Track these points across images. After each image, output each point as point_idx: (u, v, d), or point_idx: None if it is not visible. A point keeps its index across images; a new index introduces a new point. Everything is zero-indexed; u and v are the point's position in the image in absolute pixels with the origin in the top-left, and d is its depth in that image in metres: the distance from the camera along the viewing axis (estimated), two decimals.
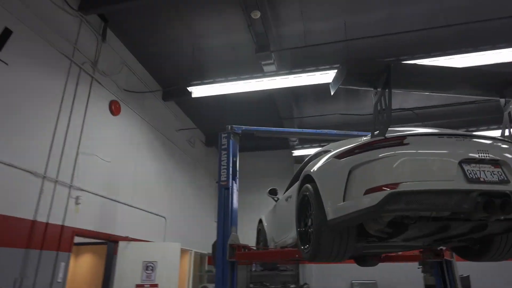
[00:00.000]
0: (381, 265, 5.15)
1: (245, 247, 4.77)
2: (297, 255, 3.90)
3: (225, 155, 5.14)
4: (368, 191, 2.51)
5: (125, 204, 6.53)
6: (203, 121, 10.14)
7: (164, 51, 6.91)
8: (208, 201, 11.34)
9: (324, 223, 2.85)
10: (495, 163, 2.56)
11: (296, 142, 9.47)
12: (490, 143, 2.70)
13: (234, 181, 5.11)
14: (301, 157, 10.93)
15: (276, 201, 5.19)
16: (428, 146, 2.59)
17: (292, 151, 9.80)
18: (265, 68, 6.13)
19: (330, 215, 2.76)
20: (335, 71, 5.50)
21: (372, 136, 2.88)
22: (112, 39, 6.47)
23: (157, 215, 7.65)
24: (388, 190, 2.41)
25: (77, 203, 5.44)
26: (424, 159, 2.51)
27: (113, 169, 6.32)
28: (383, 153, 2.58)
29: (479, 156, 2.53)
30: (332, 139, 5.56)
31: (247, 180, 7.74)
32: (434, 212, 2.51)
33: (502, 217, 2.54)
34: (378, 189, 2.46)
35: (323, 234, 2.87)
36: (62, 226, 5.19)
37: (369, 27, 5.83)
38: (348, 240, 2.92)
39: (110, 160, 6.22)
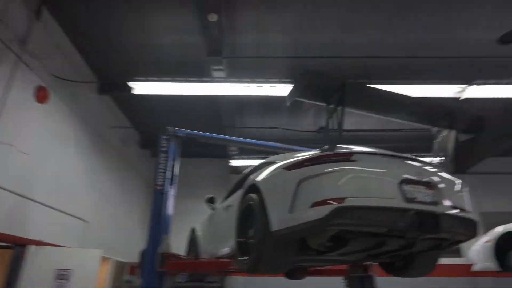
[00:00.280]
0: (306, 278, 5.26)
1: (177, 256, 4.52)
2: (233, 266, 3.79)
3: (164, 158, 4.88)
4: (315, 204, 2.54)
5: (41, 203, 5.78)
6: (139, 120, 9.58)
7: (106, 41, 6.41)
8: (137, 206, 10.65)
9: (267, 234, 2.80)
10: (428, 185, 2.77)
11: (235, 152, 9.43)
12: (424, 167, 2.93)
13: (171, 186, 4.86)
14: (238, 168, 10.91)
15: (213, 209, 5.04)
16: (373, 164, 2.72)
17: (230, 161, 9.73)
18: (215, 74, 6.03)
19: (275, 226, 2.73)
20: (284, 85, 5.74)
21: (322, 150, 2.95)
22: (48, 19, 5.81)
23: (78, 218, 6.92)
24: (335, 204, 2.46)
25: None
26: (369, 177, 2.63)
27: (31, 163, 5.58)
28: (331, 168, 2.65)
29: (416, 178, 2.72)
30: (274, 152, 5.63)
31: (179, 186, 7.44)
32: (374, 228, 2.61)
33: (430, 236, 2.74)
34: (325, 202, 2.51)
35: (266, 245, 2.83)
36: None
37: (319, 49, 6.11)
38: (289, 253, 2.91)
39: (29, 153, 5.48)
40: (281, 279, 5.01)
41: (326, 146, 2.93)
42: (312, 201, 2.55)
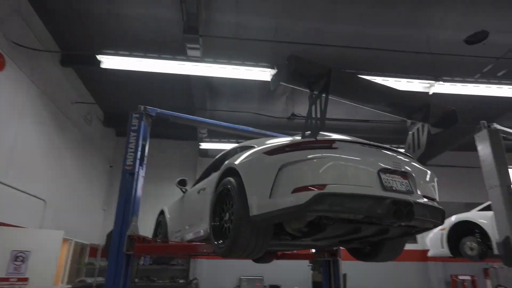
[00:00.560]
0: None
1: (146, 239, 4.39)
2: (205, 250, 3.74)
3: (134, 138, 4.66)
4: (296, 190, 2.55)
5: None
6: (104, 97, 9.08)
7: (71, 7, 5.92)
8: (99, 186, 10.22)
9: (245, 219, 2.78)
10: (404, 174, 2.86)
11: (205, 135, 9.26)
12: (400, 157, 3.02)
13: (140, 167, 4.67)
14: (207, 151, 10.77)
15: (184, 192, 4.93)
16: (353, 153, 2.76)
17: (200, 144, 9.55)
18: (190, 52, 5.79)
19: (254, 211, 2.71)
20: (261, 69, 5.64)
21: (303, 136, 2.94)
22: None
23: (35, 197, 6.49)
24: (315, 191, 2.48)
25: None
26: (349, 165, 2.66)
27: None
28: (312, 154, 2.65)
29: (393, 167, 2.79)
30: (246, 136, 5.58)
31: (146, 168, 7.21)
32: (352, 215, 2.65)
33: (404, 224, 2.85)
34: (306, 188, 2.52)
35: (243, 230, 2.81)
36: None
37: (298, 35, 6.06)
38: (265, 237, 2.92)
39: None
40: (245, 262, 5.03)
41: (308, 133, 2.92)
42: (293, 187, 2.56)
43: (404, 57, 6.45)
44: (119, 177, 4.42)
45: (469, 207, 6.57)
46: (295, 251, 5.46)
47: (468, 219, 6.08)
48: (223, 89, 8.38)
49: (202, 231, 3.63)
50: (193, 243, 3.99)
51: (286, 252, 5.37)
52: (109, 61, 5.40)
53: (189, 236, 4.09)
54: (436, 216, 2.93)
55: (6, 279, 4.71)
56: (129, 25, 6.16)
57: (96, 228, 9.89)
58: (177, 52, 5.64)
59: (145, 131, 4.82)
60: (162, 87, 8.11)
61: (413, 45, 6.34)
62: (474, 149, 5.17)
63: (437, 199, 3.09)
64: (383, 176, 2.71)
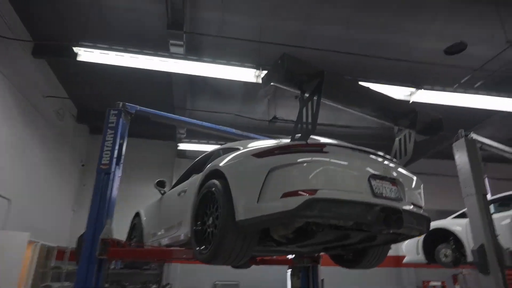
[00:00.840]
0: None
1: (120, 242, 4.15)
2: (185, 255, 3.56)
3: (111, 135, 4.42)
4: (285, 195, 2.45)
5: None
6: (78, 92, 8.65)
7: None
8: (69, 186, 9.72)
9: (231, 224, 2.65)
10: (393, 181, 2.83)
11: (184, 135, 9.02)
12: (389, 163, 2.99)
13: (117, 166, 4.43)
14: (185, 152, 10.51)
15: (162, 194, 4.73)
16: (345, 158, 2.70)
17: (178, 144, 9.29)
18: (173, 49, 5.59)
19: (241, 216, 2.59)
20: (245, 69, 5.52)
21: (293, 139, 2.85)
22: None
23: None
24: (306, 196, 2.39)
25: None
26: (340, 170, 2.60)
27: None
28: (304, 158, 2.56)
29: (383, 173, 2.75)
30: (228, 138, 5.45)
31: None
32: (342, 221, 2.58)
33: (391, 231, 2.81)
34: (296, 193, 2.43)
35: (227, 235, 2.67)
36: None
37: (282, 36, 6.00)
38: (251, 243, 2.80)
39: None
40: (220, 266, 4.86)
41: (298, 136, 2.84)
42: (283, 192, 2.46)
43: (385, 63, 6.53)
44: (92, 177, 4.17)
45: (439, 214, 6.70)
46: (274, 257, 5.36)
47: (443, 227, 6.21)
48: (204, 89, 8.20)
49: (182, 235, 3.45)
50: (172, 248, 3.79)
51: (265, 258, 5.27)
52: (86, 54, 5.10)
53: (168, 240, 3.89)
54: (422, 223, 2.92)
55: None
56: (110, 16, 5.87)
57: (64, 229, 9.39)
58: (159, 48, 5.43)
59: (123, 129, 4.59)
60: (141, 84, 7.83)
61: (394, 52, 6.44)
62: (445, 157, 5.29)
63: (423, 206, 3.09)
64: (373, 182, 2.67)
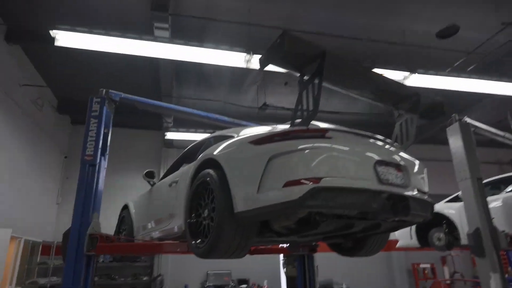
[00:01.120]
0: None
1: (109, 237, 3.93)
2: (179, 249, 3.39)
3: (95, 125, 4.15)
4: (288, 184, 2.29)
5: None
6: (57, 80, 8.21)
7: None
8: (52, 179, 9.34)
9: (229, 216, 2.49)
10: (398, 167, 2.70)
11: (171, 124, 8.73)
12: (394, 148, 2.86)
13: (103, 157, 4.18)
14: (172, 141, 10.24)
15: (152, 185, 4.51)
16: (349, 143, 2.55)
17: (165, 133, 9.00)
18: (157, 33, 5.29)
19: (240, 207, 2.43)
20: (234, 53, 5.28)
21: (292, 125, 2.68)
22: None
23: None
24: (310, 185, 2.24)
25: None
26: (345, 156, 2.44)
27: None
28: (306, 144, 2.39)
29: (388, 159, 2.62)
30: (218, 126, 5.24)
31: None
32: (347, 210, 2.45)
33: (398, 218, 2.70)
34: (299, 182, 2.27)
35: (225, 227, 2.50)
36: None
37: (272, 19, 5.75)
38: (250, 236, 2.64)
39: None
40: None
41: (297, 121, 2.66)
42: (284, 180, 2.30)
43: (378, 47, 6.38)
44: (75, 169, 3.92)
45: (432, 198, 6.70)
46: (268, 246, 5.26)
47: (436, 211, 6.20)
48: (191, 75, 7.91)
49: (176, 227, 3.27)
50: (165, 241, 3.61)
51: (260, 247, 5.15)
52: (64, 38, 4.75)
53: (160, 233, 3.71)
54: (426, 210, 2.81)
55: None
56: None
57: (49, 224, 9.06)
58: (143, 32, 5.11)
59: (108, 118, 4.32)
60: (125, 71, 7.48)
61: (387, 36, 6.29)
62: (437, 142, 5.22)
63: (427, 191, 2.99)
64: (378, 168, 2.53)
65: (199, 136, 8.32)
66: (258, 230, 2.68)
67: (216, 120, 5.31)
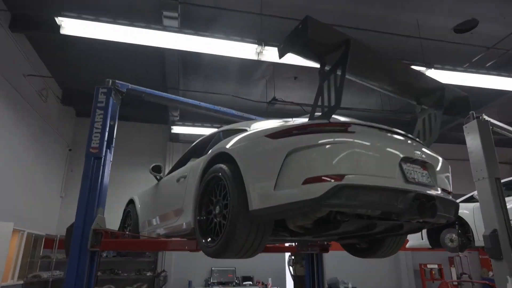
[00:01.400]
0: None
1: (114, 233, 3.80)
2: (187, 247, 3.24)
3: (101, 116, 4.01)
4: (307, 181, 2.12)
5: None
6: (63, 70, 8.05)
7: None
8: (56, 171, 9.24)
9: (243, 214, 2.33)
10: (424, 164, 2.54)
11: (177, 118, 8.57)
12: (419, 145, 2.69)
13: (108, 150, 4.04)
14: (178, 135, 10.09)
15: (158, 180, 4.37)
16: (373, 139, 2.37)
17: (171, 127, 8.84)
18: (166, 22, 5.11)
19: (256, 205, 2.27)
20: (246, 44, 5.10)
21: (311, 118, 2.51)
22: None
23: None
24: (333, 182, 2.07)
25: None
26: (369, 152, 2.27)
27: None
28: (328, 139, 2.22)
29: (414, 156, 2.45)
30: (226, 120, 5.09)
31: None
32: (370, 210, 2.29)
33: (424, 220, 2.53)
34: (320, 179, 2.10)
35: (239, 226, 2.35)
36: None
37: (286, 10, 5.55)
38: (264, 235, 2.48)
39: None
40: None
41: (317, 114, 2.49)
42: (304, 177, 2.14)
43: (394, 40, 6.16)
44: (80, 162, 3.78)
45: None
46: (276, 244, 5.11)
47: None
48: (198, 68, 7.74)
49: (184, 224, 3.12)
50: (172, 239, 3.47)
51: (268, 245, 5.01)
52: (70, 26, 4.59)
53: (167, 230, 3.56)
54: (450, 210, 2.64)
55: None
56: None
57: (52, 217, 8.97)
58: (152, 21, 4.93)
59: (114, 109, 4.18)
60: (131, 62, 7.31)
61: (403, 30, 6.07)
62: (447, 141, 5.01)
63: (451, 191, 2.81)
64: (404, 166, 2.36)
65: (205, 131, 8.18)
66: (272, 229, 2.53)
67: (224, 114, 5.15)
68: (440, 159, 2.76)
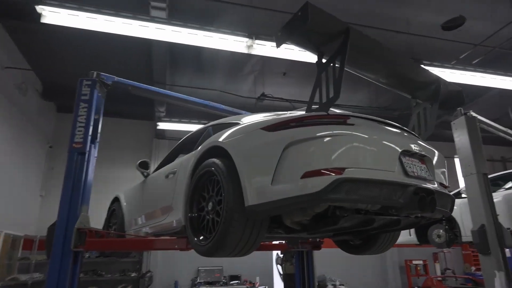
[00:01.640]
0: None
1: (99, 232, 3.63)
2: (177, 246, 3.11)
3: (85, 110, 3.83)
4: (306, 175, 2.04)
5: None
6: (43, 63, 7.68)
7: None
8: (36, 169, 8.87)
9: (238, 210, 2.24)
10: (422, 158, 2.50)
11: (164, 114, 8.36)
12: (416, 138, 2.64)
13: (93, 146, 3.86)
14: (164, 132, 9.88)
15: (145, 176, 4.21)
16: (372, 131, 2.31)
17: (157, 123, 8.62)
18: (154, 13, 4.94)
19: (252, 200, 2.17)
20: (236, 38, 4.99)
21: (309, 110, 2.43)
22: None
23: None
24: (333, 176, 1.99)
25: None
26: (370, 145, 2.20)
27: None
28: (327, 131, 2.15)
29: (413, 149, 2.40)
30: (215, 115, 4.96)
31: None
32: (370, 205, 2.23)
33: (423, 214, 2.50)
34: (319, 173, 2.02)
35: (234, 223, 2.25)
36: None
37: (276, 3, 5.44)
38: (260, 232, 2.39)
39: None
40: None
41: (315, 107, 2.41)
42: (303, 171, 2.06)
43: (383, 35, 6.14)
44: (61, 159, 3.63)
45: None
46: (266, 242, 5.03)
47: None
48: (185, 62, 7.55)
49: (174, 222, 2.99)
50: (162, 237, 3.33)
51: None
52: (51, 15, 4.36)
53: (155, 228, 3.42)
54: (447, 205, 2.61)
55: None
56: None
57: (31, 217, 8.62)
58: (138, 11, 4.75)
59: (99, 103, 4.02)
60: (116, 55, 7.05)
61: (392, 25, 6.06)
62: (431, 139, 5.02)
63: (448, 185, 2.79)
64: (404, 159, 2.31)
65: (192, 127, 8.01)
66: (268, 226, 2.43)
67: (213, 109, 5.03)
68: (437, 152, 2.73)
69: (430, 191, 2.27)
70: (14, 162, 7.58)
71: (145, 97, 6.35)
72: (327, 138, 2.12)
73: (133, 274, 8.64)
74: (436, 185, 2.52)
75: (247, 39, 4.82)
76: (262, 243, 4.73)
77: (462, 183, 5.19)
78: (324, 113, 2.31)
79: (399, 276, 10.68)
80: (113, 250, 4.67)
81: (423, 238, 6.36)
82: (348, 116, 2.30)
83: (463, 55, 6.23)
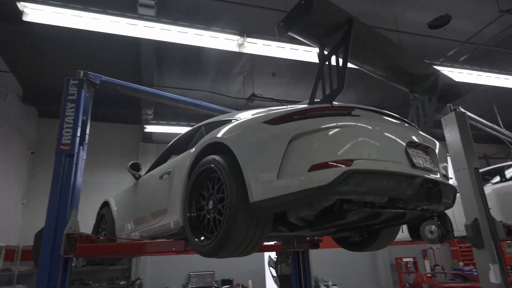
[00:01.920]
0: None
1: (89, 237, 3.46)
2: (174, 248, 2.98)
3: (72, 110, 3.67)
4: (314, 167, 1.97)
5: None
6: (23, 65, 7.37)
7: None
8: (17, 176, 8.49)
9: (243, 207, 2.15)
10: (426, 150, 2.48)
11: (151, 116, 8.17)
12: (418, 130, 2.62)
13: (81, 147, 3.70)
14: (151, 135, 9.68)
15: (137, 178, 4.07)
16: (378, 122, 2.27)
17: (145, 126, 8.41)
18: (142, 10, 4.81)
19: (257, 196, 2.09)
20: (227, 36, 4.90)
21: (311, 102, 2.38)
22: None
23: None
24: (343, 167, 1.93)
25: None
26: (377, 136, 2.16)
27: None
28: (333, 122, 2.09)
29: (418, 141, 2.37)
30: (205, 116, 4.86)
31: None
32: (378, 197, 2.18)
33: (429, 207, 2.47)
34: (327, 165, 1.96)
35: (238, 221, 2.16)
36: None
37: (268, 1, 5.39)
38: (265, 229, 2.31)
39: None
40: (193, 256, 4.19)
41: (317, 100, 2.36)
42: (310, 164, 1.99)
43: None
44: (45, 166, 3.48)
45: None
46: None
47: None
48: (174, 63, 7.41)
49: (172, 223, 2.87)
50: (158, 240, 3.19)
51: None
52: (34, 13, 4.17)
53: (150, 231, 3.29)
54: (450, 196, 2.60)
55: None
56: None
57: (13, 226, 8.24)
58: (126, 9, 4.61)
59: (87, 103, 3.86)
60: (102, 55, 6.84)
61: (381, 23, 6.09)
62: None
63: (450, 177, 2.78)
64: (409, 151, 2.27)
65: (181, 129, 7.86)
66: (272, 223, 2.35)
67: (204, 108, 4.91)
68: (438, 144, 2.72)
69: (436, 182, 2.25)
70: None
71: (131, 100, 6.23)
72: (334, 130, 2.06)
73: (122, 282, 8.37)
74: (443, 177, 2.51)
75: (238, 37, 4.75)
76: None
77: (452, 180, 5.25)
78: (328, 104, 2.26)
79: (390, 274, 10.74)
80: (106, 255, 4.48)
81: (415, 234, 6.39)
82: (352, 108, 2.25)
83: (450, 53, 6.33)
